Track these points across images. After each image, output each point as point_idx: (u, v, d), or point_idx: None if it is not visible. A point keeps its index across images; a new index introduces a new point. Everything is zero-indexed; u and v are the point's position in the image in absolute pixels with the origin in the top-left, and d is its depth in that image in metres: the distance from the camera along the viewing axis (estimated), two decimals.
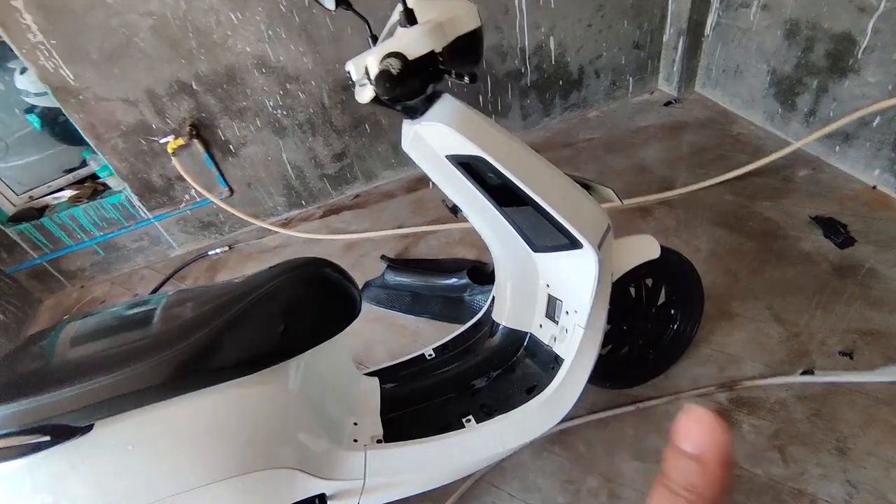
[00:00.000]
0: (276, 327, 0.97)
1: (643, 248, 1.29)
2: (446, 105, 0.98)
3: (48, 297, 2.58)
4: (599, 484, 1.36)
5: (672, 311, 1.47)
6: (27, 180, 2.53)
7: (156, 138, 2.20)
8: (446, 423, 1.18)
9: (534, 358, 1.26)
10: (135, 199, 2.38)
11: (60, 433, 0.83)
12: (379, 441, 1.15)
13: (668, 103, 2.79)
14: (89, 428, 0.85)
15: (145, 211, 2.43)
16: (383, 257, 2.22)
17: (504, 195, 1.05)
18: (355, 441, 1.13)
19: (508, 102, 2.70)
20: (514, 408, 1.16)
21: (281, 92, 2.29)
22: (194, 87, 2.15)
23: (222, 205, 2.37)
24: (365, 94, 0.94)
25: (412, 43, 0.84)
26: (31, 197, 2.42)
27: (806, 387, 1.44)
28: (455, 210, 1.17)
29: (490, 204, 1.07)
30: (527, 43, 2.52)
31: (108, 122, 2.13)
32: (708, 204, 2.12)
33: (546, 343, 1.23)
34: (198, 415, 0.92)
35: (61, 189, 2.44)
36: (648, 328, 1.45)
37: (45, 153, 2.75)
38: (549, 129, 2.86)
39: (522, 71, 2.61)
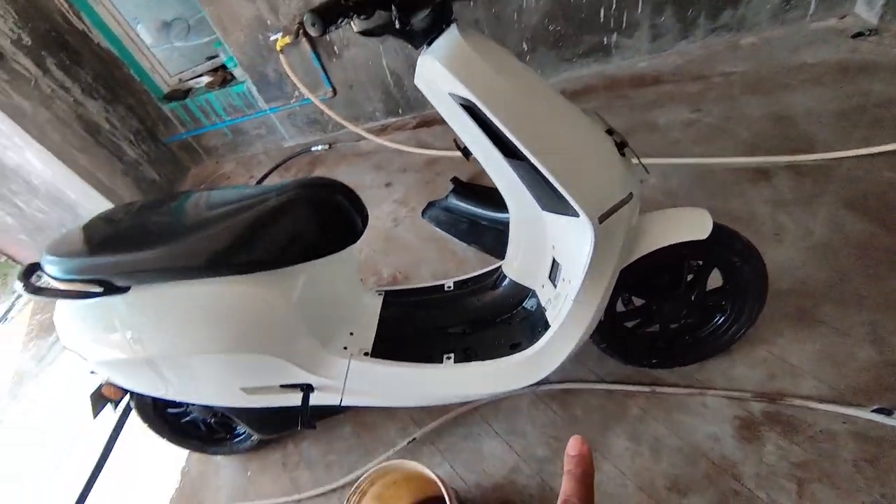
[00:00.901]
0: (278, 237, 1.08)
1: (688, 225, 1.10)
2: (447, 37, 0.89)
3: (193, 167, 3.12)
4: None
5: (722, 302, 1.27)
6: (188, 60, 2.93)
7: (269, 34, 2.36)
8: (429, 354, 1.23)
9: (529, 317, 1.22)
10: (254, 91, 2.65)
11: (108, 288, 1.07)
12: (366, 354, 1.26)
13: (858, 34, 2.12)
14: (127, 289, 1.08)
15: (263, 102, 2.70)
16: (454, 179, 2.21)
17: (506, 145, 0.96)
18: (345, 348, 1.26)
19: (636, 19, 2.29)
20: (492, 358, 1.17)
21: None
22: None
23: (321, 105, 2.52)
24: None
25: None
26: (180, 79, 2.83)
27: (873, 426, 1.18)
28: (466, 152, 1.10)
29: (497, 152, 0.99)
30: None
31: (232, 16, 2.33)
32: (852, 178, 1.66)
33: (542, 305, 1.17)
34: (206, 298, 1.10)
35: (201, 75, 2.80)
36: (685, 313, 1.28)
37: (201, 41, 3.13)
38: (684, 54, 2.39)
39: None
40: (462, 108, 0.94)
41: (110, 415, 1.45)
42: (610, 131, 1.07)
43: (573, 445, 0.36)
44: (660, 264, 1.18)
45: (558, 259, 1.10)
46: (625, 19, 2.29)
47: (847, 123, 1.84)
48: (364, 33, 0.86)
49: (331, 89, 2.61)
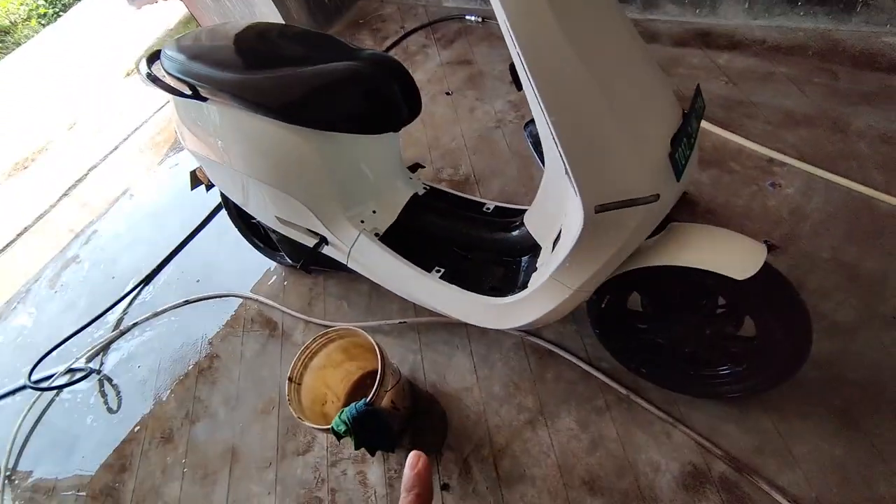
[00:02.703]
0: (333, 104, 1.14)
1: (729, 256, 0.92)
2: None
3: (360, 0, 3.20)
4: (532, 408, 1.37)
5: (741, 354, 1.10)
6: None
7: None
8: (424, 260, 1.29)
9: (520, 270, 1.19)
10: None
11: (194, 94, 1.26)
12: (376, 234, 1.36)
13: None
14: (206, 99, 1.26)
15: None
16: None
17: None
18: (361, 222, 1.37)
19: None
20: (471, 290, 1.19)
21: None
22: None
23: None
24: None
25: None
26: None
27: None
28: (518, 83, 1.00)
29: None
30: None
31: None
32: None
33: (536, 265, 1.13)
34: (264, 134, 1.24)
35: None
36: (693, 343, 1.14)
37: None
38: None
39: None
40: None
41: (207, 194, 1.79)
42: (687, 114, 0.88)
43: (411, 463, 0.33)
44: (685, 282, 1.04)
45: (563, 229, 1.02)
46: None
47: None
48: None
49: None
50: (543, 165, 1.84)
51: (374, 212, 1.39)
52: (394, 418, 1.32)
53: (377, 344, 1.24)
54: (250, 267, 2.04)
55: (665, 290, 1.11)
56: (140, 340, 2.01)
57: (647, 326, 1.22)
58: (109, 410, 1.85)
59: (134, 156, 3.19)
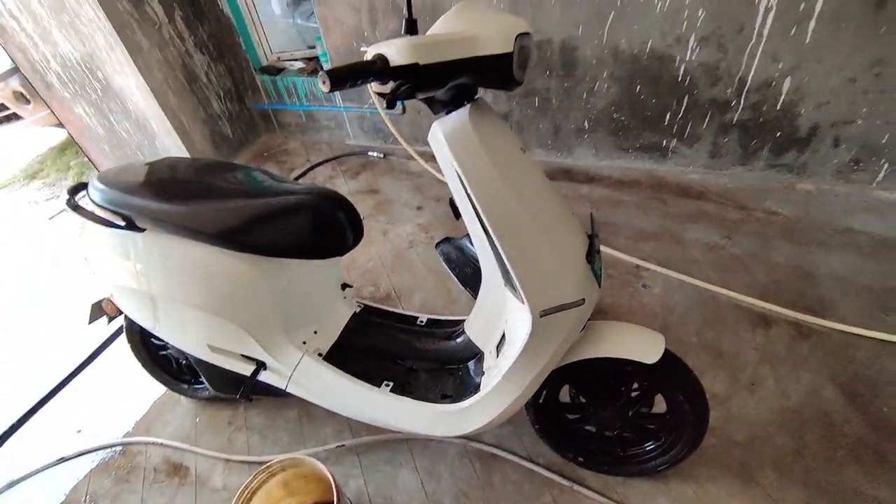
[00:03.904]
0: (278, 231, 1.22)
1: (638, 345, 1.14)
2: (458, 116, 1.00)
3: (265, 135, 3.41)
4: None
5: (658, 430, 1.29)
6: (293, 42, 3.22)
7: (362, 45, 2.59)
8: (372, 375, 1.33)
9: (468, 375, 1.29)
10: None
11: (129, 224, 1.25)
12: (319, 355, 1.37)
13: None
14: (143, 230, 1.25)
15: (339, 100, 2.93)
16: None
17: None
18: (304, 343, 1.38)
19: (700, 133, 2.33)
20: (423, 400, 1.25)
21: None
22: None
23: (386, 118, 2.71)
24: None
25: (396, 51, 0.86)
26: (278, 58, 3.13)
27: None
28: (457, 212, 1.20)
29: (478, 222, 1.09)
30: (752, 75, 2.09)
31: (336, 20, 2.57)
32: (851, 357, 1.62)
33: (483, 369, 1.24)
34: (204, 261, 1.24)
35: (296, 59, 3.08)
36: (619, 426, 1.31)
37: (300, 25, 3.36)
38: (737, 179, 2.40)
39: (733, 104, 2.20)
40: (457, 175, 1.05)
41: (102, 327, 1.64)
42: (591, 236, 1.14)
43: None
44: (606, 371, 1.23)
45: (507, 334, 1.17)
46: (688, 129, 2.34)
47: (869, 302, 1.79)
48: (382, 95, 0.97)
49: (402, 107, 2.79)
50: (458, 280, 2.04)
51: (315, 332, 1.42)
52: None
53: (329, 472, 1.20)
54: (150, 406, 1.82)
55: (591, 379, 1.29)
56: None
57: (578, 416, 1.37)
58: None
59: None
